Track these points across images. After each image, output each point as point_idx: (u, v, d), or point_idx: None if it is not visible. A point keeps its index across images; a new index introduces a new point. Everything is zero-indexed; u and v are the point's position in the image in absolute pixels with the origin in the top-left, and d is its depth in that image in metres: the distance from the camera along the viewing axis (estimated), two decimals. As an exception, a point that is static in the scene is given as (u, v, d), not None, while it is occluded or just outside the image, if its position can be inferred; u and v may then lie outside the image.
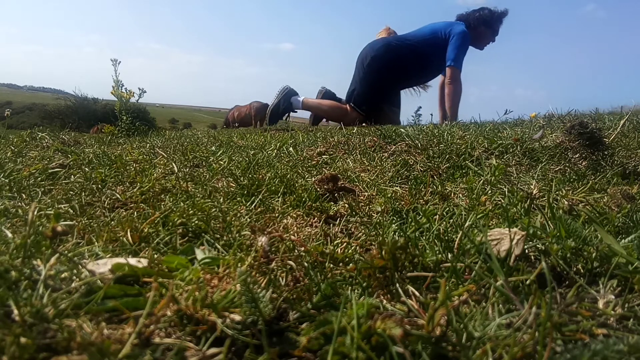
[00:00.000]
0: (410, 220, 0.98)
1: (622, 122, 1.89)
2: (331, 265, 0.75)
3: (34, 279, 0.60)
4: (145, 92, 3.04)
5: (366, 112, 3.90)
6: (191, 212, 0.98)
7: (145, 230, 0.88)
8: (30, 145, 2.10)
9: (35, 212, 0.76)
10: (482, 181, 1.30)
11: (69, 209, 1.04)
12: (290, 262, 0.73)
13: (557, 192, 1.20)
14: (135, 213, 1.03)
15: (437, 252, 0.77)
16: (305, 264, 0.74)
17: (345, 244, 0.86)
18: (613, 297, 0.63)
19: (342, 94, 4.27)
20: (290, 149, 1.96)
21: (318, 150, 1.91)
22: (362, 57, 4.04)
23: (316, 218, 1.04)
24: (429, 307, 0.53)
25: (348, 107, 4.04)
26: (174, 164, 1.58)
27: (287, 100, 4.22)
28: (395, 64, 3.88)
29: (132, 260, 0.68)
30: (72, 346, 0.47)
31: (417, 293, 0.65)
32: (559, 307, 0.58)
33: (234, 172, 1.44)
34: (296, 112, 4.34)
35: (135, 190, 1.23)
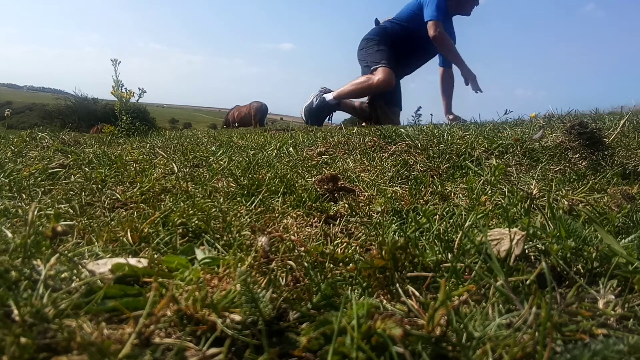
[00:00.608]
0: (410, 220, 0.98)
1: (622, 122, 1.89)
2: (331, 265, 0.75)
3: (34, 279, 0.60)
4: (145, 92, 3.05)
5: (387, 64, 3.87)
6: (191, 212, 0.98)
7: (145, 230, 0.88)
8: (30, 145, 2.10)
9: (35, 212, 0.76)
10: (482, 181, 1.30)
11: (69, 209, 1.04)
12: (290, 262, 0.73)
13: (557, 192, 1.20)
14: (135, 213, 1.03)
15: (437, 252, 0.77)
16: (305, 264, 0.74)
17: (345, 244, 0.86)
18: (613, 297, 0.63)
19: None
20: (290, 149, 1.97)
21: (318, 150, 1.91)
22: (360, 45, 4.16)
23: (316, 218, 1.04)
24: (429, 307, 0.53)
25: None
26: (174, 164, 1.58)
27: (320, 98, 4.19)
28: (390, 40, 4.00)
29: (132, 260, 0.69)
30: (72, 346, 0.47)
31: (417, 293, 0.65)
32: (559, 307, 0.58)
33: (234, 172, 1.44)
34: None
35: (135, 190, 1.23)
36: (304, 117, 4.27)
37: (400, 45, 4.00)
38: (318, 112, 4.24)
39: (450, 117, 4.28)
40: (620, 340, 0.48)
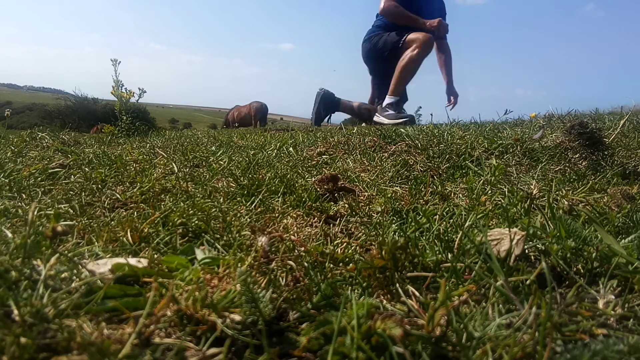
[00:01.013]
0: (410, 220, 0.98)
1: (622, 122, 1.89)
2: (331, 265, 0.75)
3: (34, 279, 0.60)
4: (145, 92, 3.05)
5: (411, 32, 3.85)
6: (191, 212, 0.98)
7: (145, 230, 0.88)
8: (30, 145, 2.10)
9: (35, 212, 0.76)
10: (482, 181, 1.30)
11: (69, 209, 1.04)
12: (290, 262, 0.73)
13: (557, 192, 1.20)
14: (135, 213, 1.03)
15: (437, 252, 0.77)
16: (305, 264, 0.74)
17: (345, 244, 0.86)
18: (613, 297, 0.63)
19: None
20: (290, 149, 1.97)
21: (318, 150, 1.91)
22: (364, 47, 4.18)
23: (316, 218, 1.04)
24: (429, 307, 0.53)
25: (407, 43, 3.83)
26: (174, 164, 1.58)
27: (389, 109, 4.00)
28: (392, 28, 4.04)
29: (132, 260, 0.69)
30: (72, 346, 0.47)
31: (417, 293, 0.65)
32: (559, 307, 0.58)
33: (234, 172, 1.44)
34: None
35: (135, 190, 1.23)
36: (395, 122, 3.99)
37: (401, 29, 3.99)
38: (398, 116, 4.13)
39: (451, 98, 4.20)
40: (620, 340, 0.48)
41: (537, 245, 0.78)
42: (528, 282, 0.65)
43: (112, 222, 0.94)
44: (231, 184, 1.32)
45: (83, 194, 1.17)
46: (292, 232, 0.93)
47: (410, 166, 1.58)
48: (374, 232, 0.93)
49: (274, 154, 1.86)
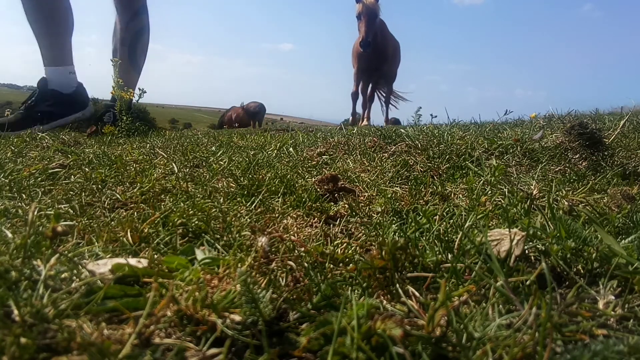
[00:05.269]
0: (410, 220, 0.98)
1: (622, 122, 1.89)
2: (331, 266, 0.75)
3: (34, 279, 0.60)
4: (145, 92, 3.05)
5: None
6: (191, 212, 0.98)
7: (145, 230, 0.88)
8: (30, 145, 2.10)
9: (35, 212, 0.76)
10: (482, 181, 1.30)
11: (69, 209, 1.04)
12: (290, 263, 0.73)
13: (557, 193, 1.20)
14: (135, 213, 1.03)
15: (437, 252, 0.77)
16: (305, 264, 0.74)
17: (345, 244, 0.86)
18: (613, 297, 0.63)
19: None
20: (290, 149, 1.97)
21: (318, 150, 1.91)
22: None
23: (316, 218, 1.04)
24: (429, 307, 0.53)
25: None
26: (174, 164, 1.58)
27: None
28: None
29: (132, 261, 0.68)
30: (72, 346, 0.47)
31: (417, 293, 0.65)
32: (559, 308, 0.58)
33: (234, 172, 1.44)
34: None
35: (135, 190, 1.23)
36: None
37: None
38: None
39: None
40: (620, 341, 0.48)
41: (537, 246, 0.78)
42: (528, 282, 0.65)
43: (112, 223, 0.94)
44: (231, 184, 1.32)
45: (83, 194, 1.17)
46: (292, 233, 0.93)
47: (410, 166, 1.58)
48: (374, 233, 0.93)
49: (274, 154, 1.85)
